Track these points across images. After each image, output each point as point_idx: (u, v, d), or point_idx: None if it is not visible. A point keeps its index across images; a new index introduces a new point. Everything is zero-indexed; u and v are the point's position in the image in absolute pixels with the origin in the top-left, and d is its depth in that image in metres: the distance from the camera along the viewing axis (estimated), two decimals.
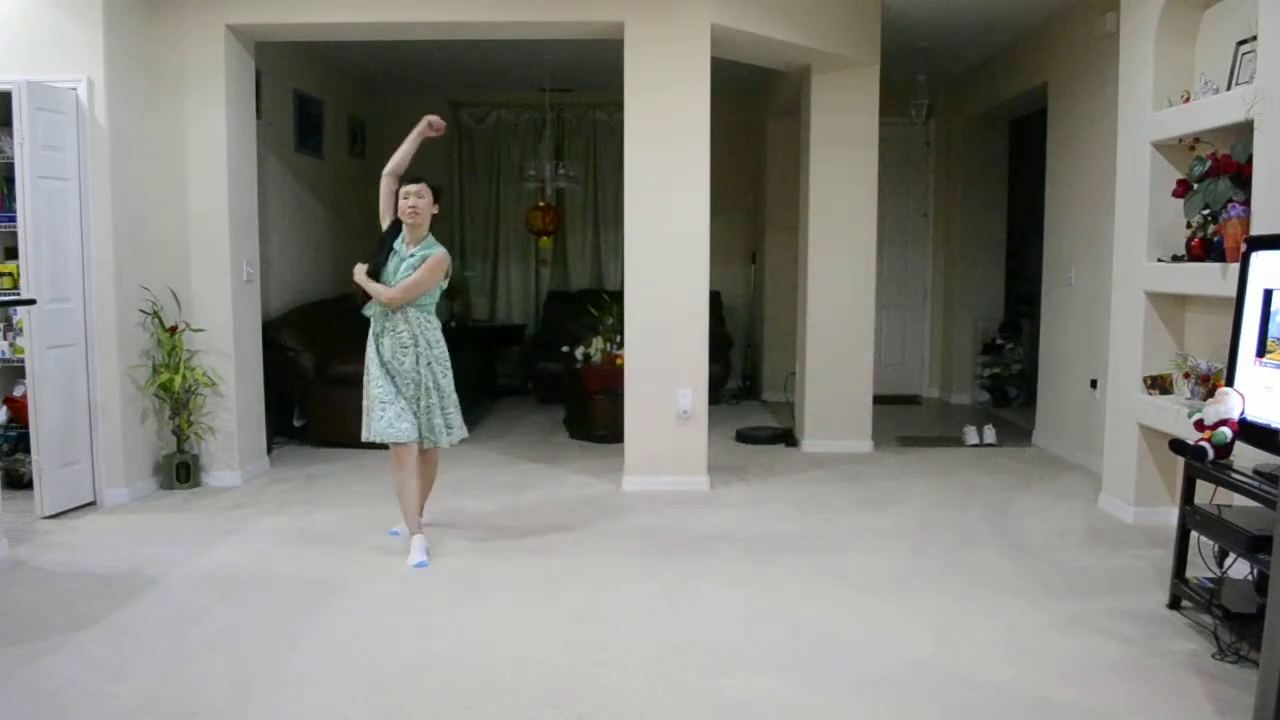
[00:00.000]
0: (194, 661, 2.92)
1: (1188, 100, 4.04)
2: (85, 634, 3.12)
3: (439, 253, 3.92)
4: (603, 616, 3.33)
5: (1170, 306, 4.32)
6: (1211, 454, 2.93)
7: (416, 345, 3.90)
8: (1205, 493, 3.26)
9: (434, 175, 4.54)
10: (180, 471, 5.03)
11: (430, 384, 3.94)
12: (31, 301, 4.32)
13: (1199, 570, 3.32)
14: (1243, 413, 2.91)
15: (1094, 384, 5.45)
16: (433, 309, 4.00)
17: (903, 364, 8.41)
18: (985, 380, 7.86)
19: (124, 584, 3.59)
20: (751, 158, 8.49)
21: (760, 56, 5.76)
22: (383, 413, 3.89)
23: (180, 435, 5.04)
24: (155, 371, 4.92)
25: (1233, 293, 3.13)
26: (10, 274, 4.63)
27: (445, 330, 4.11)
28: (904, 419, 7.27)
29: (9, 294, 4.58)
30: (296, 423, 6.34)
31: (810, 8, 5.50)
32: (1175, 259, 4.14)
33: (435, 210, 3.98)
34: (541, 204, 7.86)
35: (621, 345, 5.50)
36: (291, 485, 5.17)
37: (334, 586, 3.58)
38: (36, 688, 2.74)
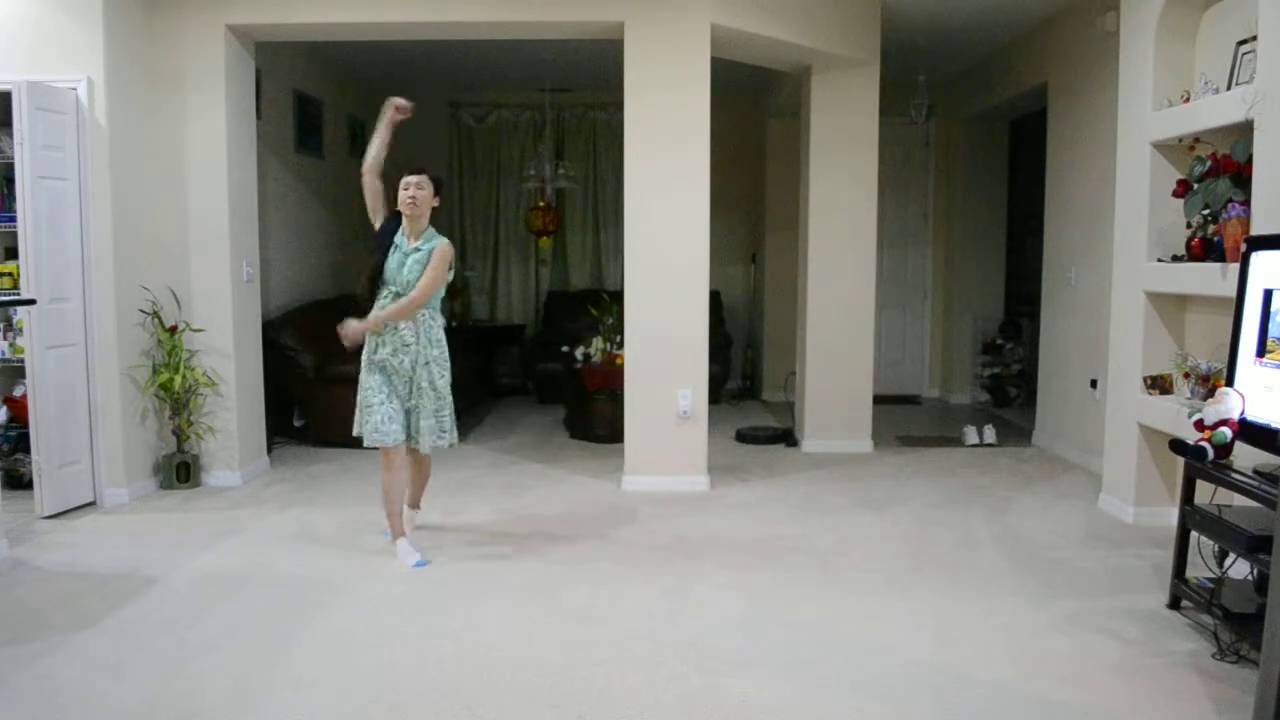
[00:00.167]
0: (194, 661, 2.92)
1: (1188, 100, 4.04)
2: (85, 634, 3.12)
3: (443, 244, 3.85)
4: (603, 617, 3.33)
5: (1170, 306, 4.32)
6: (1211, 454, 2.93)
7: (418, 343, 3.86)
8: (1205, 493, 3.26)
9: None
10: (180, 471, 5.03)
11: (425, 384, 3.88)
12: (31, 301, 4.32)
13: (1199, 570, 3.32)
14: (1243, 413, 2.92)
15: (1094, 384, 5.45)
16: (439, 305, 3.96)
17: (903, 364, 8.41)
18: (985, 380, 7.86)
19: (124, 584, 3.59)
20: (751, 158, 8.49)
21: (760, 56, 5.76)
22: (370, 415, 3.84)
23: (180, 435, 5.04)
24: (155, 371, 4.92)
25: (1233, 293, 3.14)
26: (10, 274, 4.63)
27: (445, 330, 4.06)
28: (904, 419, 7.27)
29: (9, 294, 4.58)
30: (296, 423, 6.34)
31: (810, 8, 5.51)
32: (1175, 259, 4.14)
33: (436, 203, 3.89)
34: (541, 204, 7.86)
35: (621, 345, 5.49)
36: (291, 485, 5.17)
37: (334, 586, 3.58)
38: (36, 688, 2.74)
